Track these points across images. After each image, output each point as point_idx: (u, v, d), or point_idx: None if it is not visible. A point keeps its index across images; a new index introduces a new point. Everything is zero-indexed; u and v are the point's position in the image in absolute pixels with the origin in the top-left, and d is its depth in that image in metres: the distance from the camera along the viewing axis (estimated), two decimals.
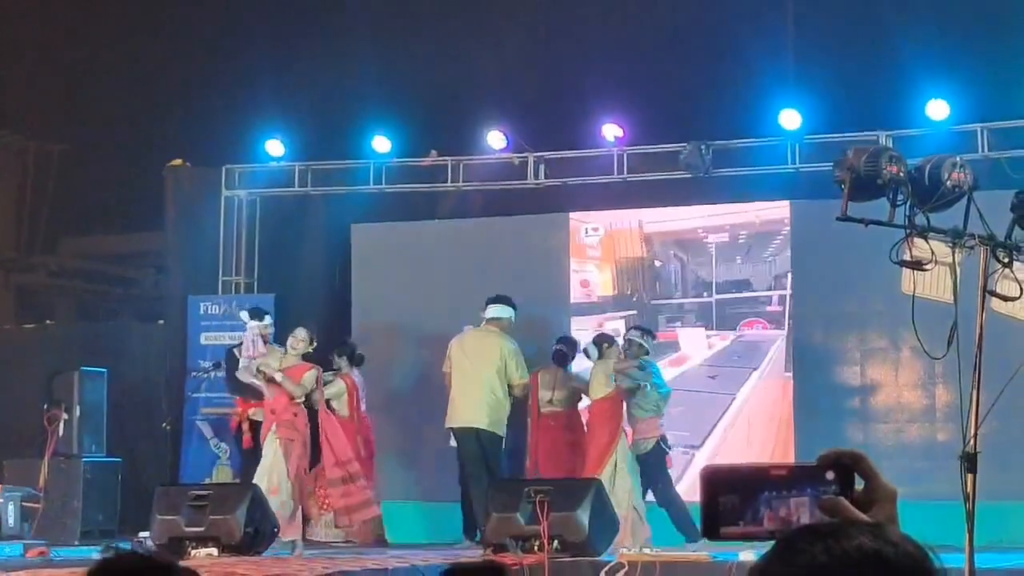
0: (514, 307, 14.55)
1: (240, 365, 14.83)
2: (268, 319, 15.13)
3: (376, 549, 14.21)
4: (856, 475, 1.96)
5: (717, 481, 1.97)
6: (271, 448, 13.73)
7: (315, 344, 14.23)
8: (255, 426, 14.72)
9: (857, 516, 1.86)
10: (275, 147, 17.23)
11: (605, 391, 14.15)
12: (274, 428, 13.77)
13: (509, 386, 14.31)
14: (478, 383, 14.19)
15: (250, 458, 14.69)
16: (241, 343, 15.24)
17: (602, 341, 14.52)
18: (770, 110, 15.49)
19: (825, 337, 15.56)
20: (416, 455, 15.87)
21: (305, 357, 14.12)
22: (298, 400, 13.86)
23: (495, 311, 14.48)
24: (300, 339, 14.11)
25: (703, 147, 15.63)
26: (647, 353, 14.34)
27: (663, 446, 14.06)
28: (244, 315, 15.24)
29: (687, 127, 15.81)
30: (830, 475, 1.94)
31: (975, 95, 14.68)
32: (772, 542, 1.82)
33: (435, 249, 16.52)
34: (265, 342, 14.90)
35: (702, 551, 12.24)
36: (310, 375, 13.94)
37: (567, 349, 14.88)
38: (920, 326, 7.29)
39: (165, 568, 2.58)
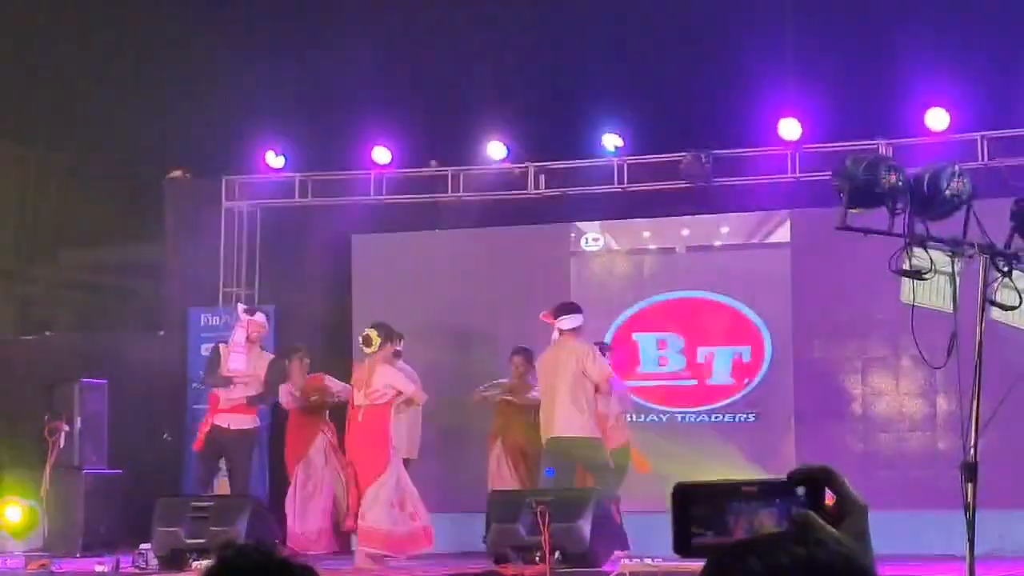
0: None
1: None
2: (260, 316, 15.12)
3: (382, 559, 14.19)
4: (827, 490, 1.97)
5: (688, 495, 1.99)
6: None
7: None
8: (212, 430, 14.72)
9: (826, 530, 1.88)
10: (275, 158, 17.25)
11: None
12: None
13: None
14: (552, 394, 13.99)
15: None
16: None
17: None
18: (770, 119, 15.51)
19: (826, 346, 15.56)
20: (413, 465, 15.79)
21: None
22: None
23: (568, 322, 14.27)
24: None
25: (703, 156, 15.64)
26: None
27: None
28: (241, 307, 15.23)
29: (687, 137, 15.82)
30: (800, 491, 1.96)
31: (974, 104, 14.69)
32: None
33: (435, 260, 16.51)
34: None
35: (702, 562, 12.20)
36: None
37: None
38: (920, 335, 7.29)
39: (283, 566, 2.55)
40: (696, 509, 1.98)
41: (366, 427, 13.73)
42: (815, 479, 1.96)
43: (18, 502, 15.08)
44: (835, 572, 1.72)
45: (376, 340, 13.86)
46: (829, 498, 1.96)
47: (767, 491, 1.97)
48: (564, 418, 13.74)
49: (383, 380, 13.79)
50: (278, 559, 2.54)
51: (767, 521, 1.95)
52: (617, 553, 12.97)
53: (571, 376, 13.79)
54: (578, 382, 13.76)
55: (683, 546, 1.98)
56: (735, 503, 1.97)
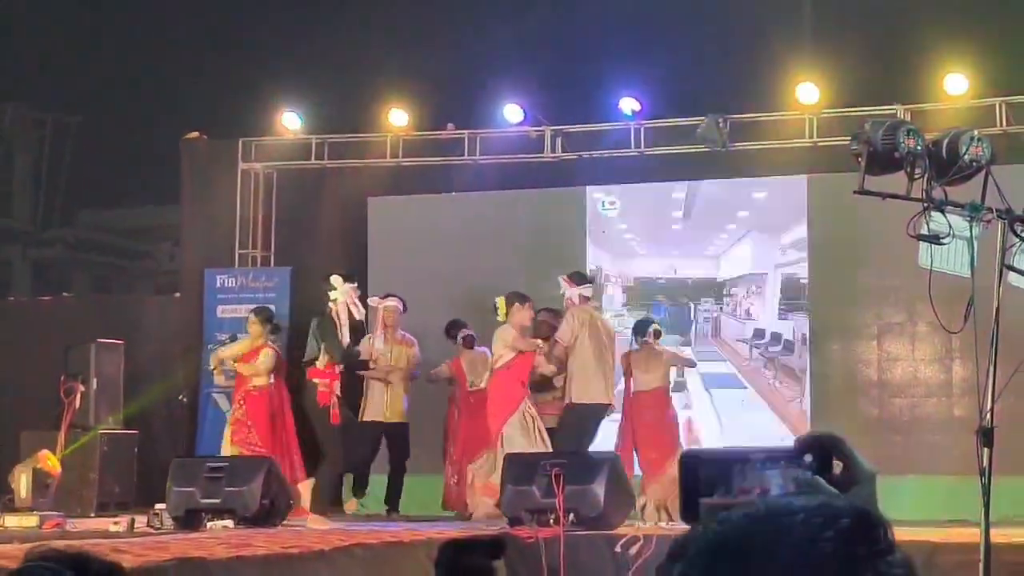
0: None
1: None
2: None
3: (393, 522, 14.21)
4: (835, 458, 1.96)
5: (696, 462, 2.01)
6: None
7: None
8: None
9: (833, 494, 1.87)
10: (292, 120, 17.24)
11: None
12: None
13: None
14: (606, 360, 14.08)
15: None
16: (330, 309, 14.52)
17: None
18: (788, 84, 15.46)
19: (842, 311, 15.53)
20: (433, 428, 15.79)
21: None
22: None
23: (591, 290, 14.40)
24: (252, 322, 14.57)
25: (720, 121, 15.60)
26: None
27: None
28: (336, 279, 14.47)
29: (705, 101, 15.78)
30: (808, 458, 1.95)
31: (994, 69, 14.63)
32: None
33: (451, 222, 16.51)
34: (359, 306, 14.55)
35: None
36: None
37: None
38: (937, 300, 7.26)
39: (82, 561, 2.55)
40: (704, 476, 1.98)
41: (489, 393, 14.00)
42: (822, 446, 1.95)
43: (51, 455, 15.11)
44: (846, 515, 1.71)
45: (503, 308, 13.91)
46: (837, 466, 1.95)
47: (774, 458, 1.97)
48: (612, 385, 13.99)
49: (496, 345, 13.93)
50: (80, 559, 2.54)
51: (774, 487, 1.95)
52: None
53: (612, 345, 14.06)
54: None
55: (691, 512, 1.99)
56: (743, 470, 1.97)
